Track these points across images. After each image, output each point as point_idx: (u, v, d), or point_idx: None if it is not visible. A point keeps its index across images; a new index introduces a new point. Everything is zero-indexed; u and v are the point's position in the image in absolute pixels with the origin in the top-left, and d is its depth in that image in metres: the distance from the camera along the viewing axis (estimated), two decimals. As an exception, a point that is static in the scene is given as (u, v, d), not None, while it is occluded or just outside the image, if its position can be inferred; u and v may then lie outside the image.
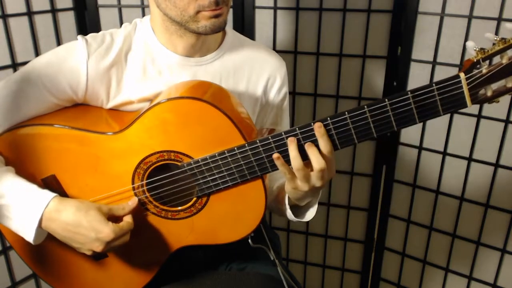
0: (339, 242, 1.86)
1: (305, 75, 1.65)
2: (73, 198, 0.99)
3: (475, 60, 0.82)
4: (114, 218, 0.97)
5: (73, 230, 0.93)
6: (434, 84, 0.84)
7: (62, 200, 0.95)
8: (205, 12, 0.94)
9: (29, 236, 0.94)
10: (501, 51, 0.80)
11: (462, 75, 0.82)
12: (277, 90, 1.16)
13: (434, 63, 1.51)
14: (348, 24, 1.56)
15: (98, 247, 0.93)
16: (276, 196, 1.11)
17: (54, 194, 0.95)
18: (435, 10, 1.46)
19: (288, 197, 1.03)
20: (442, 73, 1.50)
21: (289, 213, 1.05)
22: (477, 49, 0.81)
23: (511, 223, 1.54)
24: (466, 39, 1.43)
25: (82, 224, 0.92)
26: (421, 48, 1.51)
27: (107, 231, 0.92)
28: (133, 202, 1.00)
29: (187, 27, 0.98)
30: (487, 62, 0.82)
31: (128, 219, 0.98)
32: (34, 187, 0.95)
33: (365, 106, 0.86)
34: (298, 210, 1.08)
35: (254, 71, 1.13)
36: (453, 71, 1.48)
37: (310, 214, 1.06)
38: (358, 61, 1.60)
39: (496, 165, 1.51)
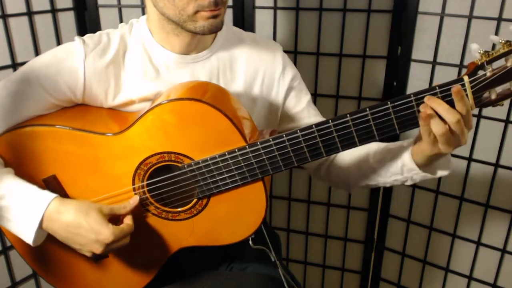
0: (339, 242, 1.86)
1: (305, 75, 1.64)
2: (74, 199, 0.99)
3: (479, 63, 0.81)
4: (116, 218, 0.97)
5: (73, 231, 0.93)
6: (437, 87, 0.83)
7: (62, 201, 0.94)
8: (204, 12, 0.94)
9: (29, 237, 0.94)
10: (506, 54, 0.79)
11: (466, 78, 0.82)
12: (280, 75, 1.13)
13: (434, 63, 1.50)
14: (348, 24, 1.55)
15: (98, 249, 0.93)
16: (378, 162, 1.06)
17: (54, 195, 0.94)
18: (435, 10, 1.45)
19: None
20: (442, 73, 1.50)
21: (422, 175, 0.98)
22: (481, 51, 0.80)
23: (511, 223, 1.54)
24: (466, 39, 1.43)
25: (82, 225, 0.92)
26: (421, 48, 1.51)
27: (106, 233, 0.91)
28: (134, 200, 0.99)
29: (184, 27, 0.98)
30: (491, 64, 0.81)
31: (128, 221, 0.97)
32: (34, 188, 0.95)
33: (367, 109, 0.86)
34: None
35: (251, 62, 1.12)
36: (453, 71, 1.48)
37: (441, 172, 1.00)
38: (358, 61, 1.59)
39: (496, 165, 1.51)
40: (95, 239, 0.92)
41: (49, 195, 0.94)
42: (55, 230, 0.94)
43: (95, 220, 0.92)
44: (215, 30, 0.98)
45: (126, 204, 0.99)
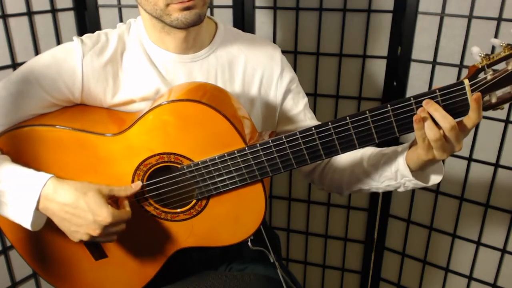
0: (339, 242, 1.86)
1: (305, 75, 1.65)
2: (71, 180, 0.97)
3: (479, 66, 0.81)
4: (115, 200, 0.97)
5: (70, 212, 0.91)
6: (437, 90, 0.83)
7: (60, 180, 0.94)
8: (174, 4, 0.94)
9: (27, 219, 0.92)
10: (506, 58, 0.79)
11: (466, 81, 0.81)
12: (278, 77, 1.13)
13: (434, 63, 1.50)
14: (348, 24, 1.55)
15: (95, 231, 0.91)
16: (373, 167, 1.05)
17: (51, 175, 0.94)
18: (435, 10, 1.45)
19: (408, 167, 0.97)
20: (442, 73, 1.50)
21: (414, 182, 0.98)
22: (482, 55, 0.80)
23: (511, 223, 1.54)
24: (466, 39, 1.43)
25: (80, 205, 0.91)
26: (421, 48, 1.51)
27: (105, 214, 0.90)
28: (136, 185, 0.98)
29: (163, 21, 0.98)
30: (492, 68, 0.80)
31: (127, 207, 0.96)
32: (30, 170, 0.95)
33: (367, 112, 0.86)
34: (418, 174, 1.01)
35: (250, 63, 1.12)
36: (453, 71, 1.48)
37: (435, 178, 1.00)
38: (358, 61, 1.59)
39: (496, 165, 1.51)
40: (92, 219, 0.90)
41: (45, 175, 0.93)
42: (52, 211, 0.93)
43: (93, 200, 0.91)
44: (191, 23, 0.97)
45: (127, 187, 0.97)
